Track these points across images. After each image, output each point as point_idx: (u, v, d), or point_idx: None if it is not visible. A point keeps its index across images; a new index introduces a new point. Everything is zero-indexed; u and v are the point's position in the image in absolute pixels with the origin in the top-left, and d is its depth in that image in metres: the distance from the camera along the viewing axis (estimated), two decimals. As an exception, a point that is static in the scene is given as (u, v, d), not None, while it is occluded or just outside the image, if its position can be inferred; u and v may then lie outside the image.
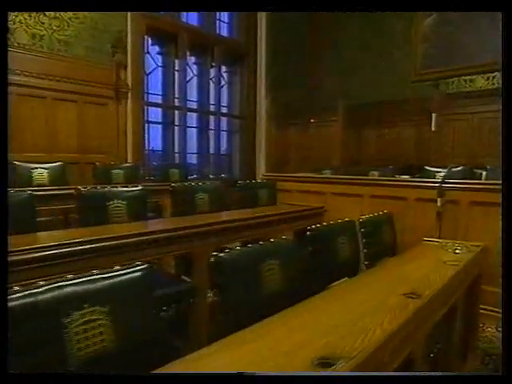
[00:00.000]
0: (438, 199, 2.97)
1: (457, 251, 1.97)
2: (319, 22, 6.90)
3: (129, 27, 5.05)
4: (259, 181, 4.12)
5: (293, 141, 7.04)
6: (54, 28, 4.43)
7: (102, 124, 4.88)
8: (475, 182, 3.22)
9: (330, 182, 3.83)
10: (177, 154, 6.15)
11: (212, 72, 6.50)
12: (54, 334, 0.88)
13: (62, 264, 1.72)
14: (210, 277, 1.33)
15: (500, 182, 1.37)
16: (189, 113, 6.27)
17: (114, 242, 1.92)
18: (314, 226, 1.85)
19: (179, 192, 2.99)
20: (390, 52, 6.44)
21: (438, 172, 4.07)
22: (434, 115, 5.86)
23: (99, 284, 1.00)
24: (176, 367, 0.87)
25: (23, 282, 1.10)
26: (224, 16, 6.72)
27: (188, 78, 6.23)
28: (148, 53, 5.69)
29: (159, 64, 5.98)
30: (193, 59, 6.39)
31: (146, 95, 5.58)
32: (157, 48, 5.92)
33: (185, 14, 6.06)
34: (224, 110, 6.85)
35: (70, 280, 0.96)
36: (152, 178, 4.74)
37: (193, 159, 6.53)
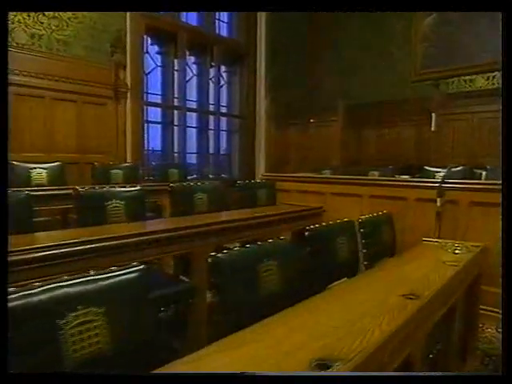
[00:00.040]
0: (438, 199, 2.96)
1: (456, 251, 1.97)
2: (319, 22, 6.89)
3: (128, 27, 5.04)
4: (258, 181, 4.12)
5: (292, 141, 7.03)
6: (53, 28, 4.41)
7: (101, 124, 4.87)
8: (475, 182, 3.22)
9: (329, 182, 3.83)
10: (176, 154, 6.14)
11: (211, 72, 6.49)
12: (49, 335, 0.87)
13: (61, 264, 1.72)
14: (208, 277, 1.32)
15: (500, 182, 1.37)
16: (188, 113, 6.26)
17: (114, 242, 1.92)
18: (312, 227, 1.84)
19: (178, 192, 2.99)
20: (389, 52, 6.43)
21: (437, 172, 4.06)
22: (433, 115, 5.86)
23: (95, 285, 0.99)
24: (176, 367, 0.86)
25: (22, 282, 1.09)
26: (223, 16, 6.70)
27: (187, 78, 6.22)
28: (147, 52, 5.68)
29: (158, 64, 5.97)
30: (192, 59, 6.38)
31: (145, 95, 5.57)
32: (156, 48, 5.91)
33: (184, 13, 6.05)
34: (223, 110, 6.84)
35: (66, 281, 0.95)
36: (151, 178, 4.74)
37: (192, 159, 6.52)
